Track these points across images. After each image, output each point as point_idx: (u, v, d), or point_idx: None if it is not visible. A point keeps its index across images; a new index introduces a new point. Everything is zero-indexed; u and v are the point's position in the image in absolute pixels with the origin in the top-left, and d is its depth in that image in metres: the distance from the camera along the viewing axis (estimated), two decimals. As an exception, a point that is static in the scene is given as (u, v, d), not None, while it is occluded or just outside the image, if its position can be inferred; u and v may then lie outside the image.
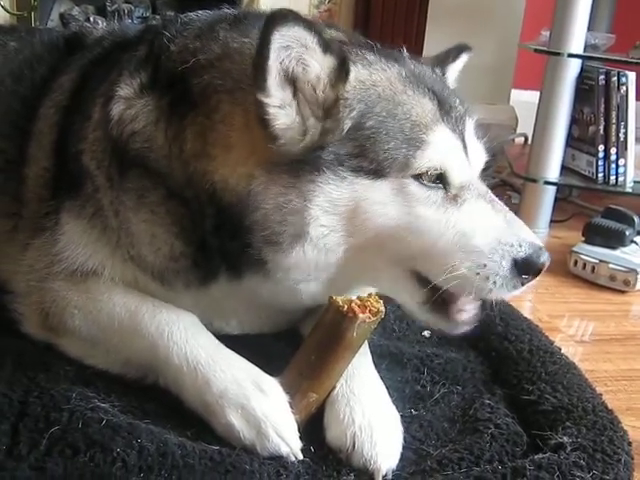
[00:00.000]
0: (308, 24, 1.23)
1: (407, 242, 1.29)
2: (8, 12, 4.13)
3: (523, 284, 1.33)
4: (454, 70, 1.63)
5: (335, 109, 1.27)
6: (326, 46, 1.26)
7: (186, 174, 1.34)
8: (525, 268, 1.31)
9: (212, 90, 1.33)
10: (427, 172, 1.29)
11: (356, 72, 1.30)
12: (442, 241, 1.29)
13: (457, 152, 1.35)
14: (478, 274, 1.29)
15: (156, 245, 1.38)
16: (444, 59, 1.61)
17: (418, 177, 1.29)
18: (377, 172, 1.27)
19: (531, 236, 1.34)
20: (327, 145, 1.26)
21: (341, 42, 1.38)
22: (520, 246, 1.31)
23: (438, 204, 1.31)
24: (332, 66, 1.27)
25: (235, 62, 1.35)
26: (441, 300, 1.32)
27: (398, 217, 1.29)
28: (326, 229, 1.28)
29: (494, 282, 1.30)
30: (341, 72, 1.28)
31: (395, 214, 1.28)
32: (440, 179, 1.31)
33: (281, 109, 1.25)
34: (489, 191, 1.38)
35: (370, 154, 1.27)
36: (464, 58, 1.66)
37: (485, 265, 1.29)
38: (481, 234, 1.31)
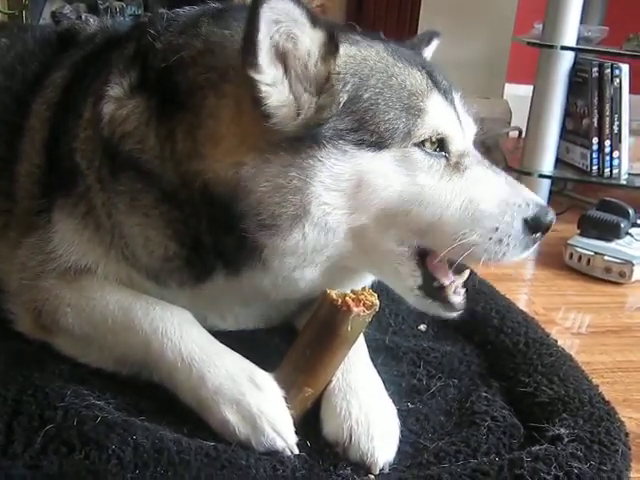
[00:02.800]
0: None
1: (414, 214, 1.29)
2: (0, 11, 4.12)
3: (534, 242, 1.36)
4: (427, 55, 1.65)
5: (328, 84, 1.27)
6: (314, 20, 1.25)
7: (179, 175, 1.32)
8: (535, 227, 1.34)
9: (197, 87, 1.32)
10: (430, 138, 1.30)
11: (345, 48, 1.30)
12: (450, 210, 1.30)
13: (453, 119, 1.37)
14: (491, 238, 1.31)
15: (150, 247, 1.36)
16: (417, 44, 1.63)
17: (421, 145, 1.29)
18: (379, 143, 1.26)
19: (535, 196, 1.38)
20: (325, 121, 1.25)
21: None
22: (528, 205, 1.34)
23: (442, 173, 1.32)
24: (322, 40, 1.26)
25: (217, 56, 1.33)
26: (437, 285, 1.34)
27: (402, 188, 1.28)
28: (329, 207, 1.26)
29: (507, 244, 1.32)
30: (331, 45, 1.27)
31: (399, 185, 1.28)
32: (441, 147, 1.33)
33: (273, 86, 1.24)
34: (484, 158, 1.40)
35: (370, 126, 1.26)
36: (435, 44, 1.69)
37: (497, 228, 1.31)
38: (488, 198, 1.33)
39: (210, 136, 1.29)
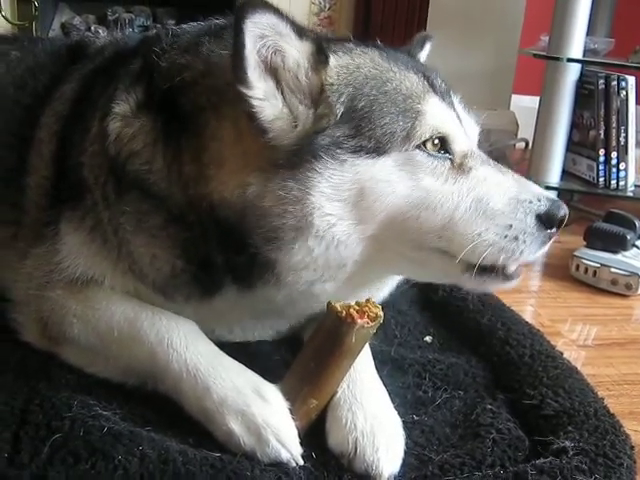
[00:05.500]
0: (278, 11, 1.22)
1: (422, 220, 1.28)
2: (9, 22, 4.15)
3: (550, 238, 1.34)
4: (421, 58, 1.66)
5: (323, 95, 1.27)
6: (300, 31, 1.26)
7: (187, 198, 1.32)
8: (549, 221, 1.32)
9: (199, 109, 1.33)
10: (431, 138, 1.29)
11: (337, 59, 1.30)
12: (459, 212, 1.29)
13: (452, 118, 1.36)
14: (506, 236, 1.29)
15: (157, 265, 1.37)
16: (412, 49, 1.63)
17: (422, 147, 1.29)
18: (377, 149, 1.26)
19: (545, 191, 1.36)
20: (322, 131, 1.25)
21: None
22: (539, 200, 1.32)
23: (446, 175, 1.30)
24: (310, 51, 1.27)
25: (217, 77, 1.33)
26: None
27: (407, 193, 1.27)
28: (333, 218, 1.26)
29: (524, 241, 1.30)
30: (320, 55, 1.28)
31: (403, 190, 1.27)
32: (444, 148, 1.32)
33: (266, 100, 1.24)
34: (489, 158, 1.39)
35: (367, 132, 1.26)
36: (428, 46, 1.69)
37: (511, 225, 1.29)
38: (497, 196, 1.31)
39: (214, 158, 1.30)
